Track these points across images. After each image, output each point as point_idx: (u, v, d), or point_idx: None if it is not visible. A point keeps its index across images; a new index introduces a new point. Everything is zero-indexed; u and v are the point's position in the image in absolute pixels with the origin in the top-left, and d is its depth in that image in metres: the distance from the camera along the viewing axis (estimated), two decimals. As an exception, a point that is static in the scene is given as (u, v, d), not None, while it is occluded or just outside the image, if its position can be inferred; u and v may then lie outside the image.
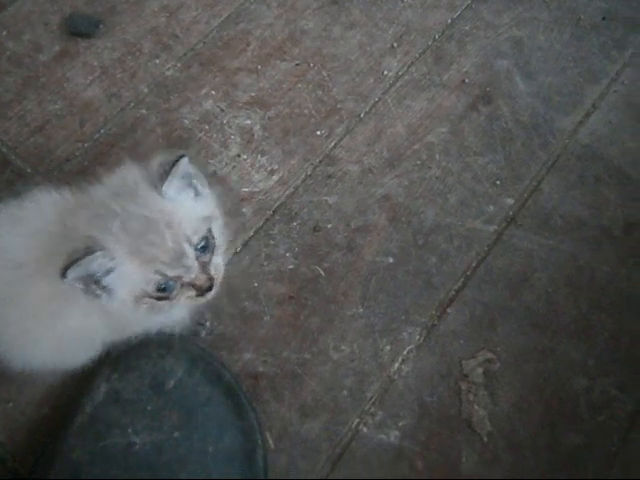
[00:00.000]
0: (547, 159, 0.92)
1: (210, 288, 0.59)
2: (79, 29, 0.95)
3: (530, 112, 0.95)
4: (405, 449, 0.74)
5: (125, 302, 0.57)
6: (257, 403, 0.74)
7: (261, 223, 0.85)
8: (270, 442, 0.73)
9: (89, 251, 0.53)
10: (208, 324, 0.78)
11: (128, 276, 0.56)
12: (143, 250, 0.55)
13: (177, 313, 0.64)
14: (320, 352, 0.79)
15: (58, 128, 0.89)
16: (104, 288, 0.56)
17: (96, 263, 0.54)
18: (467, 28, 1.02)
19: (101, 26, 0.96)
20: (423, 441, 0.74)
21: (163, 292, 0.58)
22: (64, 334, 0.61)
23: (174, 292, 0.58)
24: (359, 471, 0.73)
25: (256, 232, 0.85)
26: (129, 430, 0.62)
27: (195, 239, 0.57)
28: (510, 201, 0.89)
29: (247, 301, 0.81)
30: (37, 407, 0.73)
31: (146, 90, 0.92)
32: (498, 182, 0.90)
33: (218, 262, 0.60)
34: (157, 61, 0.95)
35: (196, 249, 0.57)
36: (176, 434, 0.63)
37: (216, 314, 0.79)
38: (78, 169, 0.86)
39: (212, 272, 0.60)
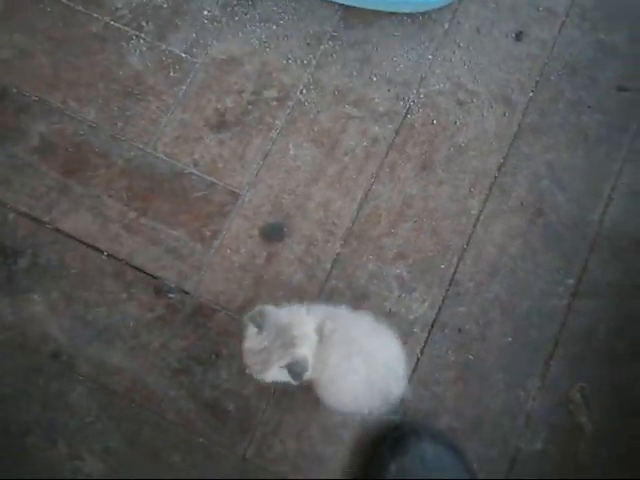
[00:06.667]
0: (587, 245, 1.45)
1: None
2: (272, 237, 1.47)
3: (570, 215, 1.47)
4: None
5: None
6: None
7: (425, 336, 1.41)
8: None
9: None
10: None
11: None
12: None
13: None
14: (485, 406, 1.36)
15: (287, 307, 1.44)
16: None
17: None
18: (514, 162, 1.51)
19: (285, 229, 1.48)
20: None
21: None
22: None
23: None
24: None
25: (425, 343, 1.41)
26: None
27: None
28: (571, 281, 1.43)
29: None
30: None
31: (329, 267, 1.46)
32: (561, 271, 1.43)
33: None
34: (329, 244, 1.47)
35: None
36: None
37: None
38: (310, 331, 1.42)
39: None
